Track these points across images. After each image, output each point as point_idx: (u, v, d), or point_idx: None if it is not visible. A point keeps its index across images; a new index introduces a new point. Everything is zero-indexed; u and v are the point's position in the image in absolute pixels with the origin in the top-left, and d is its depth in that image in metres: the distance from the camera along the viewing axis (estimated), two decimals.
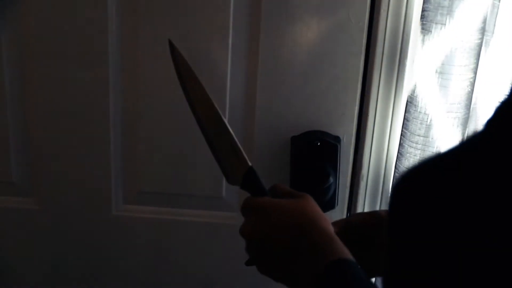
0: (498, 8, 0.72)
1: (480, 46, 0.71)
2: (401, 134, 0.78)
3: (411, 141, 0.75)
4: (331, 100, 0.84)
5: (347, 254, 0.51)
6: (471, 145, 0.30)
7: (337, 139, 0.85)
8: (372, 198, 0.89)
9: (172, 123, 0.89)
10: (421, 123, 0.74)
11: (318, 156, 0.84)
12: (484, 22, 0.70)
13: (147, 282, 0.99)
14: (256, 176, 0.62)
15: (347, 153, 0.87)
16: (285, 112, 0.86)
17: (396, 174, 0.81)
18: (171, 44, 0.68)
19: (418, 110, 0.74)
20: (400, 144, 0.78)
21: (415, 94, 0.74)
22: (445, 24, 0.69)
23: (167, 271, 0.98)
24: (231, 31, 0.83)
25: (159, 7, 0.83)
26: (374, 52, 0.82)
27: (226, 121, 0.64)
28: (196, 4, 0.82)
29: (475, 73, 0.73)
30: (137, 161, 0.92)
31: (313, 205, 0.58)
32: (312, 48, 0.82)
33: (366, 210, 0.90)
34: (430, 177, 0.31)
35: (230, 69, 0.85)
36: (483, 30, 0.70)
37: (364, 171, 0.87)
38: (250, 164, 0.63)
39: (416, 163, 0.32)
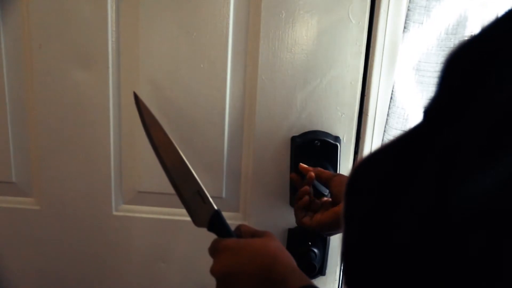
0: (485, 7, 0.73)
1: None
2: (384, 129, 0.80)
3: (389, 135, 0.78)
4: (331, 100, 0.84)
5: (308, 281, 0.57)
6: (410, 137, 0.33)
7: (337, 139, 0.85)
8: None
9: (171, 123, 0.89)
10: (398, 117, 0.77)
11: (318, 156, 0.84)
12: (464, 20, 0.71)
13: (146, 282, 0.99)
14: (221, 219, 0.67)
15: (347, 153, 0.86)
16: (285, 112, 0.85)
17: None
18: (135, 96, 0.72)
19: (396, 105, 0.76)
20: (382, 138, 0.80)
21: (394, 90, 0.76)
22: (422, 23, 0.72)
23: (166, 271, 0.98)
24: (231, 30, 0.83)
25: (159, 7, 0.83)
26: (374, 52, 0.82)
27: (190, 167, 0.68)
28: (196, 4, 0.82)
29: None
30: (137, 161, 0.92)
31: (275, 242, 0.62)
32: (312, 47, 0.82)
33: None
34: (377, 164, 0.34)
35: (230, 69, 0.85)
36: (462, 29, 0.72)
37: None
38: (216, 207, 0.67)
39: (368, 153, 0.35)
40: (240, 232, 0.67)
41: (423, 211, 0.29)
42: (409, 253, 0.29)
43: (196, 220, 0.68)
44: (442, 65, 0.30)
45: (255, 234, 0.65)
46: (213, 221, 0.67)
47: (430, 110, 0.31)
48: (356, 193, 0.34)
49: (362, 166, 0.35)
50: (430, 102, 0.31)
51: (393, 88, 0.77)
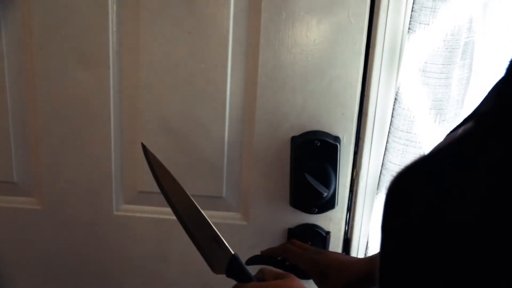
0: (485, 7, 0.74)
1: (464, 45, 0.73)
2: (388, 131, 0.80)
3: (395, 136, 0.78)
4: (331, 100, 0.84)
5: None
6: (460, 143, 0.31)
7: (337, 139, 0.85)
8: (372, 198, 0.89)
9: (172, 123, 0.89)
10: (404, 119, 0.77)
11: (318, 156, 0.84)
12: (468, 22, 0.72)
13: (147, 281, 0.99)
14: (239, 264, 0.66)
15: (347, 153, 0.87)
16: (285, 112, 0.86)
17: (383, 170, 0.82)
18: (143, 147, 0.73)
19: (402, 106, 0.76)
20: (387, 140, 0.80)
21: (399, 91, 0.76)
22: (428, 24, 0.72)
23: (167, 271, 0.98)
24: (231, 31, 0.83)
25: (159, 7, 0.83)
26: (374, 52, 0.82)
27: (203, 213, 0.68)
28: (196, 5, 0.82)
29: (461, 71, 0.75)
30: (138, 161, 0.92)
31: (298, 283, 0.62)
32: (312, 48, 0.82)
33: (366, 210, 0.90)
34: (422, 177, 0.32)
35: (230, 69, 0.85)
36: (467, 30, 0.72)
37: (364, 171, 0.88)
38: (233, 252, 0.67)
39: (408, 163, 0.33)
40: (264, 274, 0.66)
41: (486, 222, 0.27)
42: (465, 264, 0.28)
43: (214, 267, 0.68)
44: (506, 67, 0.29)
45: (277, 276, 0.64)
46: (231, 266, 0.66)
47: (488, 113, 0.29)
48: (401, 202, 0.32)
49: (408, 173, 0.33)
50: (489, 105, 0.29)
51: (398, 89, 0.77)
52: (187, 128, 0.89)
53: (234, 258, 0.66)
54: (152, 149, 0.90)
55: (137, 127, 0.90)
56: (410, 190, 0.32)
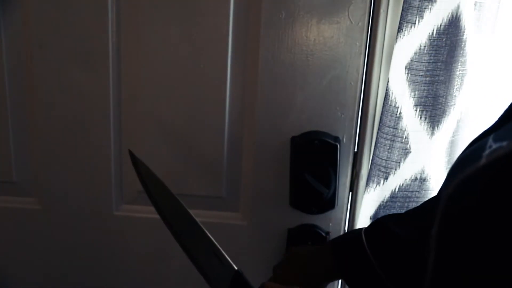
0: (481, 7, 0.74)
1: (451, 44, 0.74)
2: (378, 127, 0.81)
3: (382, 132, 0.79)
4: (331, 100, 0.84)
5: None
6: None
7: (337, 139, 0.85)
8: None
9: (172, 123, 0.89)
10: (391, 115, 0.78)
11: (318, 156, 0.84)
12: (456, 21, 0.72)
13: (147, 281, 0.99)
14: (244, 280, 0.60)
15: (347, 153, 0.87)
16: (285, 112, 0.86)
17: (371, 165, 0.83)
18: (131, 155, 0.65)
19: (389, 103, 0.77)
20: (376, 136, 0.81)
21: (388, 88, 0.77)
22: (415, 24, 0.73)
23: (167, 271, 0.98)
24: (231, 31, 0.83)
25: (159, 7, 0.83)
26: (374, 52, 0.82)
27: (201, 224, 0.60)
28: (196, 4, 0.82)
29: (448, 70, 0.76)
30: None
31: None
32: (312, 48, 0.82)
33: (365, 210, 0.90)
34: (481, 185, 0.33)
35: (230, 69, 0.85)
36: (454, 29, 0.73)
37: (364, 171, 0.88)
38: (235, 267, 0.60)
39: (468, 173, 0.34)
40: None
41: None
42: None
43: (214, 284, 0.61)
44: None
45: None
46: (235, 283, 0.60)
47: None
48: (463, 211, 0.34)
49: (466, 181, 0.34)
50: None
51: (387, 86, 0.78)
52: (187, 128, 0.89)
53: (238, 274, 0.60)
54: (151, 149, 0.91)
55: (136, 127, 0.90)
56: (469, 197, 0.34)
